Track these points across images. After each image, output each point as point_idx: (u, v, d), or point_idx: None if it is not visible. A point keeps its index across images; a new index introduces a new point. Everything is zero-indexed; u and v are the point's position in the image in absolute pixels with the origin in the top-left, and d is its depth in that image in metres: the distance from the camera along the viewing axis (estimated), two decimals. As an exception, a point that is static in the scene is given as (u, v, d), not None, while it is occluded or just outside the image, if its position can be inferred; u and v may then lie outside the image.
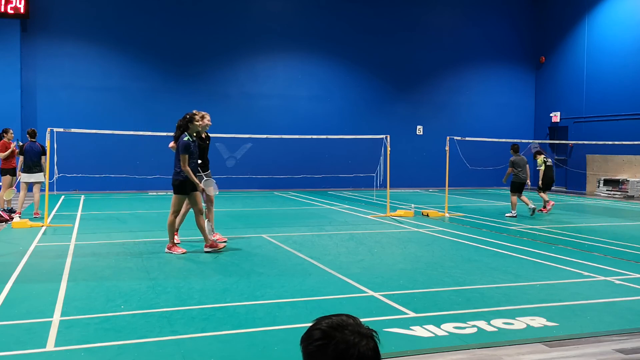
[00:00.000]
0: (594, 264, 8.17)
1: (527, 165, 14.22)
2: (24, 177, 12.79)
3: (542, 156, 15.11)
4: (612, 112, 21.87)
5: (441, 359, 4.56)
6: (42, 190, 12.91)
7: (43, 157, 12.91)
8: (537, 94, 25.57)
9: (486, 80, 24.88)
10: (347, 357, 1.62)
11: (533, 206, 13.87)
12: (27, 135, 13.02)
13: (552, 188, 24.23)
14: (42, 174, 12.90)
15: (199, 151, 9.11)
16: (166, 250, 8.81)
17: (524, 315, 5.62)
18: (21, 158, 12.84)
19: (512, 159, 14.13)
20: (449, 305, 5.95)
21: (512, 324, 5.37)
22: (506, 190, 22.83)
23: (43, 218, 11.94)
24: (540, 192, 15.00)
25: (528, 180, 14.11)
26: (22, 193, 12.90)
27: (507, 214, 13.91)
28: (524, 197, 14.02)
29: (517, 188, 13.99)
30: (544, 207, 14.77)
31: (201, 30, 21.37)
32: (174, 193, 8.77)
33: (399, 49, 23.55)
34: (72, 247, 9.16)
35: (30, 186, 13.12)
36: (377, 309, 5.86)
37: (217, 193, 9.59)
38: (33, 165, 12.79)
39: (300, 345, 1.72)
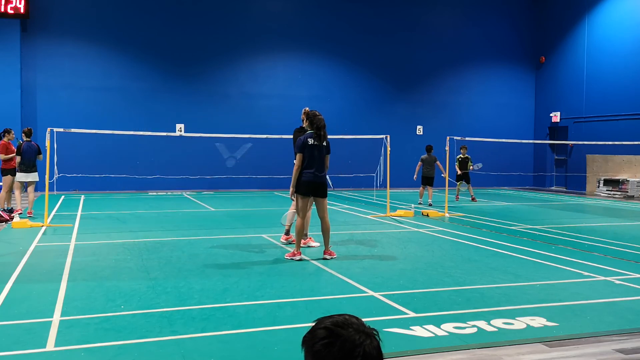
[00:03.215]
0: (594, 264, 8.17)
1: (436, 164, 16.59)
2: (20, 177, 12.84)
3: (461, 154, 17.79)
4: (612, 112, 21.87)
5: (441, 359, 4.56)
6: (38, 190, 12.93)
7: (39, 156, 12.98)
8: (537, 94, 25.57)
9: (486, 80, 24.88)
10: (353, 356, 1.61)
11: (430, 202, 16.34)
12: (23, 135, 13.04)
13: (552, 188, 24.35)
14: (37, 173, 12.98)
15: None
16: (285, 255, 8.49)
17: (524, 315, 5.62)
18: (17, 157, 12.87)
19: (422, 156, 16.67)
20: (449, 305, 5.95)
21: (512, 324, 5.37)
22: (506, 190, 22.88)
23: (37, 217, 11.95)
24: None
25: (444, 174, 15.96)
26: (17, 192, 12.94)
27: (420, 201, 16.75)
28: (429, 190, 16.58)
29: (423, 181, 16.70)
30: (457, 196, 18.00)
31: (201, 30, 21.38)
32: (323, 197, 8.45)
33: (399, 49, 23.55)
34: (72, 247, 9.16)
35: (25, 185, 13.15)
36: (377, 309, 5.85)
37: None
38: (31, 165, 12.83)
39: (303, 346, 1.70)
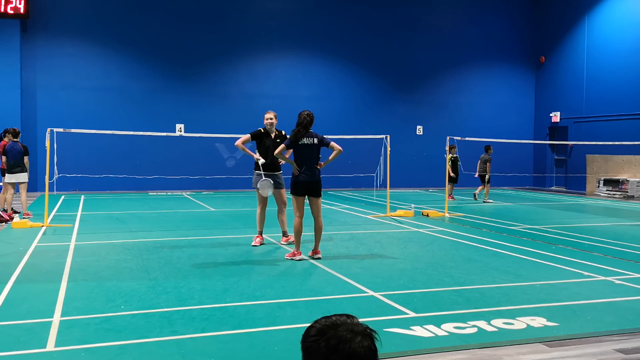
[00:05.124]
0: (594, 264, 8.17)
1: (486, 163, 17.64)
2: (6, 178, 12.76)
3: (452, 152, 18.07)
4: (612, 112, 21.87)
5: (441, 359, 4.56)
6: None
7: (26, 157, 12.89)
8: (537, 94, 25.57)
9: (486, 80, 24.88)
10: (339, 351, 1.65)
11: (477, 196, 18.02)
12: (9, 135, 12.90)
13: (552, 188, 24.36)
14: (24, 174, 12.87)
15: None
16: (286, 256, 8.49)
17: (524, 315, 5.62)
18: (3, 158, 12.81)
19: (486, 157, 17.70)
20: (449, 305, 5.95)
21: (512, 324, 5.37)
22: (506, 190, 22.89)
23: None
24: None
25: (488, 175, 17.63)
26: (9, 193, 12.81)
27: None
28: (486, 187, 17.80)
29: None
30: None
31: (201, 30, 21.38)
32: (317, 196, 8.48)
33: (399, 49, 23.55)
34: (72, 247, 9.16)
35: (17, 187, 13.09)
36: (377, 309, 5.85)
37: (267, 195, 9.41)
38: (14, 165, 12.72)
39: (300, 343, 1.76)
